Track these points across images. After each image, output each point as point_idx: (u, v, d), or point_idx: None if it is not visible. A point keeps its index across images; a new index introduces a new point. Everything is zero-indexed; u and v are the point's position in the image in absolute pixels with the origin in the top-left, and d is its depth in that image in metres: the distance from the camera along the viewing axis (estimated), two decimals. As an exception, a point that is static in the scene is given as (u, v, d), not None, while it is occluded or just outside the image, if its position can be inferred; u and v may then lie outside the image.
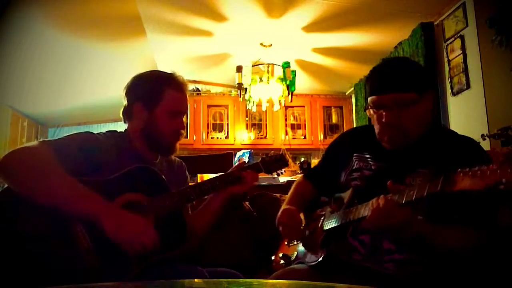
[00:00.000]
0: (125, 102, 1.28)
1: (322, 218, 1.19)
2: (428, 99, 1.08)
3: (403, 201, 0.90)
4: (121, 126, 1.35)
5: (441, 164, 1.01)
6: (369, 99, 1.11)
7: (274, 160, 1.38)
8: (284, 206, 1.29)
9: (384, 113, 1.07)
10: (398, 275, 1.03)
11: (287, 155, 1.53)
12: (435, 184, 0.82)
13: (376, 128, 1.13)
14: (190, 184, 1.39)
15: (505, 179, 0.69)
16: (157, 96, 1.24)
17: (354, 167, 1.21)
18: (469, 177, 0.75)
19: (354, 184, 1.17)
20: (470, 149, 1.07)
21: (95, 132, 1.27)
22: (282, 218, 1.23)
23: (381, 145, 1.14)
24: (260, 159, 1.38)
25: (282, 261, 1.31)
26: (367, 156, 1.19)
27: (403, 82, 1.05)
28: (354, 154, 1.23)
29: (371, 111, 1.12)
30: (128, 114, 1.28)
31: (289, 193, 1.38)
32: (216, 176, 1.31)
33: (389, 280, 1.03)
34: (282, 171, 1.40)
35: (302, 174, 1.45)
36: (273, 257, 1.37)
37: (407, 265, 1.03)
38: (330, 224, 1.14)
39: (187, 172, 1.44)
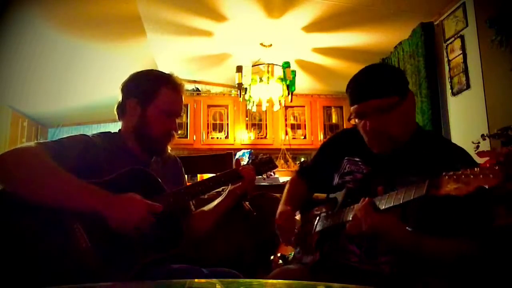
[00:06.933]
0: (120, 98, 1.29)
1: (317, 218, 1.20)
2: (409, 101, 1.09)
3: (384, 206, 0.92)
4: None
5: (429, 169, 1.01)
6: (351, 109, 1.13)
7: (264, 162, 1.44)
8: (280, 207, 1.30)
9: (368, 122, 1.08)
10: (395, 275, 1.03)
11: (286, 155, 1.60)
12: (421, 188, 0.84)
13: (364, 136, 1.14)
14: (186, 181, 1.42)
15: (488, 185, 0.72)
16: (152, 93, 1.24)
17: (345, 170, 1.22)
18: (454, 181, 0.77)
19: (347, 186, 1.18)
20: (456, 153, 1.08)
21: (94, 132, 1.27)
22: (279, 221, 1.25)
23: (370, 149, 1.15)
24: (250, 161, 1.45)
25: (280, 261, 1.32)
26: (358, 160, 1.21)
27: (381, 87, 1.06)
28: (345, 158, 1.25)
29: (356, 120, 1.13)
30: (122, 109, 1.29)
31: (285, 191, 1.40)
32: (211, 177, 1.32)
33: (385, 280, 1.03)
34: (272, 173, 1.47)
35: (296, 171, 1.47)
36: (272, 257, 1.38)
37: (403, 266, 1.03)
38: (323, 225, 1.16)
39: (183, 169, 1.44)
